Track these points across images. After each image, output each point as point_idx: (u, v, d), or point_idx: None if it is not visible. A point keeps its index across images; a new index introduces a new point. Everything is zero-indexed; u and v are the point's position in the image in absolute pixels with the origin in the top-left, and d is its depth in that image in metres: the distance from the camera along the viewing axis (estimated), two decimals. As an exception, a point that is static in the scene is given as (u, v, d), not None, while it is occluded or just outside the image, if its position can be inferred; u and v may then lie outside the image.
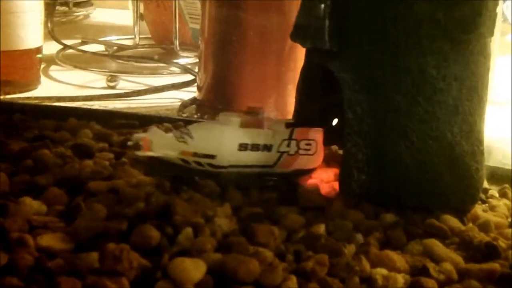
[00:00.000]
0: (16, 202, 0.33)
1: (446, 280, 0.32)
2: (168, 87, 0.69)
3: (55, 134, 0.45)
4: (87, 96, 0.65)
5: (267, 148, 0.39)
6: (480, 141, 0.41)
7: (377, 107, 0.39)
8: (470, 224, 0.38)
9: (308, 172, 0.41)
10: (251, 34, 0.60)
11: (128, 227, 0.31)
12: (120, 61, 0.84)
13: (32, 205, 0.33)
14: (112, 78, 0.73)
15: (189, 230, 0.31)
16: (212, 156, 0.38)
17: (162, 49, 0.91)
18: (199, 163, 0.38)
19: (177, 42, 0.84)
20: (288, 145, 0.40)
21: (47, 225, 0.32)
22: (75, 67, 0.78)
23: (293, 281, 0.29)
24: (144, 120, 0.49)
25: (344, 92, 0.40)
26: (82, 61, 0.81)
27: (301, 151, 0.40)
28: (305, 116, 0.45)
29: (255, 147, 0.39)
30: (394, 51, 0.39)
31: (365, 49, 0.39)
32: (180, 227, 0.31)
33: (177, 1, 0.84)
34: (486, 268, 0.33)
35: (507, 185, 0.45)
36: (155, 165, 0.38)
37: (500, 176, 0.47)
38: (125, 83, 0.74)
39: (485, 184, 0.45)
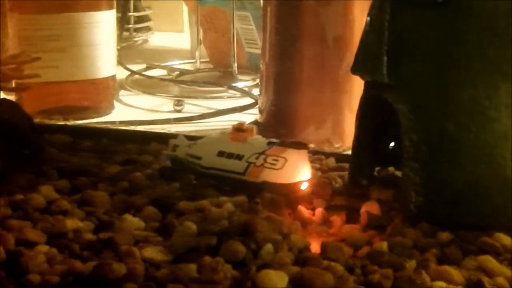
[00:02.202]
0: (120, 219, 0.38)
1: (499, 293, 0.35)
2: (235, 110, 0.74)
3: (140, 157, 0.50)
4: (164, 119, 0.71)
5: (239, 157, 0.45)
6: (530, 164, 0.44)
7: (432, 135, 0.43)
8: (520, 242, 0.41)
9: (282, 188, 0.44)
10: (309, 61, 0.63)
11: (217, 243, 0.36)
12: (183, 85, 0.89)
13: (133, 221, 0.38)
14: (179, 102, 0.78)
15: (270, 246, 0.35)
16: (199, 158, 0.47)
17: (220, 72, 0.96)
18: (193, 163, 0.48)
19: (235, 66, 0.89)
20: (257, 158, 0.45)
21: (148, 239, 0.37)
22: (144, 92, 0.84)
23: (362, 291, 0.33)
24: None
25: (401, 121, 0.44)
26: (147, 86, 0.87)
27: (266, 165, 0.44)
28: (365, 141, 0.49)
29: (229, 155, 0.46)
30: (448, 85, 0.42)
31: (420, 83, 0.43)
32: (261, 243, 0.36)
33: (234, 27, 0.89)
34: (535, 282, 0.36)
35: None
36: (175, 162, 0.49)
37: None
38: (190, 107, 0.79)
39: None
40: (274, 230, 0.38)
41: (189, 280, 0.32)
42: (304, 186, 0.45)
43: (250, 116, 0.73)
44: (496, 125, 0.42)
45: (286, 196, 0.44)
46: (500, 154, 0.42)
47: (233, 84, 0.87)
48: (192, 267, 0.33)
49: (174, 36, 1.25)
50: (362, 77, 0.47)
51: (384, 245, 0.39)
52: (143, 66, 0.97)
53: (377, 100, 0.46)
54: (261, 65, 0.67)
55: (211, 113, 0.74)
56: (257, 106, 0.70)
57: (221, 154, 0.46)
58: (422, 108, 0.43)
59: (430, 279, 0.35)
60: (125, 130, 0.64)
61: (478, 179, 0.42)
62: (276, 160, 0.44)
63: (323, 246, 0.37)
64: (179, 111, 0.77)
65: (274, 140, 0.47)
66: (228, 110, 0.74)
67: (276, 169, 0.44)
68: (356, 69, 0.47)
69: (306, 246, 0.37)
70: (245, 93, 0.83)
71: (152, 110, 0.78)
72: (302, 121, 0.64)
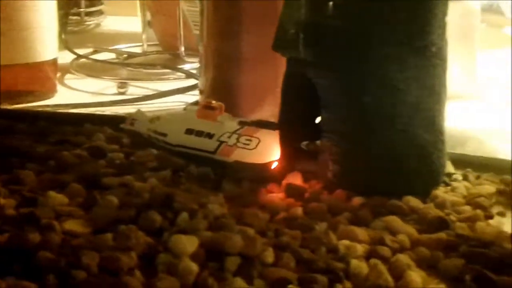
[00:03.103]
0: (44, 195, 0.40)
1: (399, 248, 0.38)
2: (173, 92, 0.76)
3: (74, 138, 0.52)
4: (99, 102, 0.72)
5: (209, 136, 0.46)
6: (440, 132, 0.47)
7: (349, 107, 0.45)
8: (429, 203, 0.44)
9: (254, 167, 0.46)
10: (246, 41, 0.65)
11: (137, 214, 0.38)
12: (130, 68, 0.90)
13: (56, 197, 0.40)
14: (122, 85, 0.79)
15: (185, 214, 0.37)
16: (164, 135, 0.48)
17: (170, 55, 0.97)
18: (157, 139, 0.48)
19: (182, 49, 0.90)
20: (229, 137, 0.46)
21: (70, 213, 0.39)
22: (89, 75, 0.85)
23: (270, 251, 0.35)
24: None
25: (320, 95, 0.46)
26: (95, 69, 0.88)
27: (239, 144, 0.46)
28: (290, 117, 0.51)
29: (199, 133, 0.47)
30: (362, 59, 0.45)
31: (337, 58, 0.45)
32: (178, 212, 0.38)
33: (181, 10, 0.90)
34: (434, 237, 0.39)
35: (469, 169, 0.51)
36: (135, 137, 0.49)
37: (465, 162, 0.53)
38: (135, 89, 0.80)
39: (452, 169, 0.51)
40: (193, 200, 0.40)
41: (105, 247, 0.34)
42: (274, 165, 0.46)
43: (193, 98, 0.75)
44: (406, 97, 0.45)
45: (258, 175, 0.46)
46: (411, 124, 0.45)
47: (180, 66, 0.88)
48: (109, 236, 0.35)
49: (127, 19, 1.25)
50: (282, 54, 0.49)
51: (299, 211, 0.42)
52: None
53: (298, 76, 0.49)
54: (199, 46, 0.69)
55: (151, 95, 0.75)
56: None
57: (189, 131, 0.47)
58: (340, 82, 0.45)
59: (337, 238, 0.38)
60: (61, 112, 0.65)
61: (392, 148, 0.45)
62: (250, 140, 0.46)
63: (239, 213, 0.40)
64: (122, 94, 0.78)
65: (245, 119, 0.48)
66: (170, 91, 0.76)
67: (249, 149, 0.45)
68: (277, 46, 0.49)
69: (223, 214, 0.40)
70: (189, 74, 0.84)
71: (96, 93, 0.79)
72: (241, 101, 0.66)
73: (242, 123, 0.47)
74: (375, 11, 0.44)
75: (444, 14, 0.45)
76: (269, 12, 0.63)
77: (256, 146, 0.45)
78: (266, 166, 0.46)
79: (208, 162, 0.46)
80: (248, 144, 0.45)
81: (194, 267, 0.33)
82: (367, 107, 0.45)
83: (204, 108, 0.48)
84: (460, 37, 0.78)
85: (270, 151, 0.46)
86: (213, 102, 0.49)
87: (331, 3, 0.45)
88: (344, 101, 0.45)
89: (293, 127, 0.51)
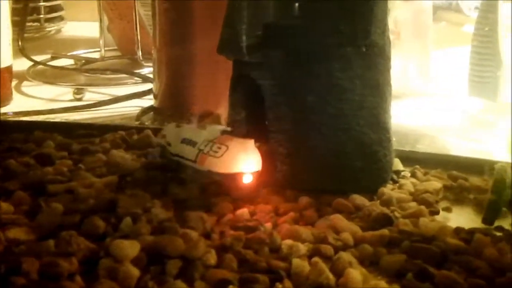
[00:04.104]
0: (-12, 205, 0.40)
1: (343, 246, 0.38)
2: (126, 97, 0.75)
3: (23, 146, 0.52)
4: (50, 109, 0.72)
5: (193, 144, 0.45)
6: (386, 130, 0.48)
7: (294, 107, 0.46)
8: (375, 201, 0.45)
9: (222, 178, 0.43)
10: (199, 45, 0.65)
11: (81, 220, 0.38)
12: (87, 74, 0.90)
13: (1, 206, 0.40)
14: (79, 91, 0.79)
15: (128, 219, 0.38)
16: (170, 144, 0.47)
17: (128, 60, 0.97)
18: (167, 150, 0.48)
19: (140, 53, 0.90)
20: (205, 145, 0.44)
21: (15, 221, 0.38)
22: (45, 82, 0.84)
23: (212, 253, 0.36)
24: (101, 130, 0.56)
25: (265, 96, 0.46)
26: (53, 76, 0.87)
27: (210, 152, 0.43)
28: (238, 118, 0.51)
29: (187, 142, 0.46)
30: (306, 59, 0.45)
31: (281, 59, 0.46)
32: (122, 217, 0.38)
33: (137, 14, 0.90)
34: (378, 234, 0.40)
35: (417, 166, 0.52)
36: (162, 150, 0.49)
37: (414, 159, 0.54)
38: (92, 95, 0.80)
39: (400, 166, 0.52)
40: (137, 205, 0.40)
41: (46, 253, 0.34)
42: (247, 179, 0.43)
43: (150, 102, 0.75)
44: (350, 96, 0.46)
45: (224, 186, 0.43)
46: (356, 122, 0.46)
47: (138, 71, 0.88)
48: (51, 242, 0.35)
49: (89, 25, 1.24)
50: (227, 57, 0.49)
51: (245, 212, 0.42)
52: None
53: (245, 78, 0.49)
54: (152, 50, 0.69)
55: (104, 101, 0.75)
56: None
57: (183, 141, 0.46)
58: (284, 83, 0.46)
59: (281, 238, 0.38)
60: (11, 119, 0.65)
61: (338, 146, 0.46)
62: (219, 148, 0.43)
63: (184, 216, 0.40)
64: (79, 100, 0.77)
65: (228, 128, 0.47)
66: (123, 97, 0.75)
67: (216, 157, 0.43)
68: (221, 48, 0.49)
69: (169, 218, 0.40)
70: (145, 78, 0.84)
71: (52, 100, 0.78)
72: (195, 104, 0.66)
73: (224, 132, 0.45)
74: (318, 12, 0.45)
75: (385, 13, 0.46)
76: (219, 14, 0.64)
77: (223, 154, 0.43)
78: (233, 177, 0.43)
79: (194, 171, 0.45)
80: (216, 152, 0.43)
81: (135, 271, 0.33)
82: (312, 106, 0.45)
83: (200, 117, 0.48)
84: (414, 35, 0.79)
85: (237, 160, 0.43)
86: (210, 111, 0.48)
87: (274, 5, 0.45)
88: (289, 102, 0.46)
89: (243, 129, 0.51)
